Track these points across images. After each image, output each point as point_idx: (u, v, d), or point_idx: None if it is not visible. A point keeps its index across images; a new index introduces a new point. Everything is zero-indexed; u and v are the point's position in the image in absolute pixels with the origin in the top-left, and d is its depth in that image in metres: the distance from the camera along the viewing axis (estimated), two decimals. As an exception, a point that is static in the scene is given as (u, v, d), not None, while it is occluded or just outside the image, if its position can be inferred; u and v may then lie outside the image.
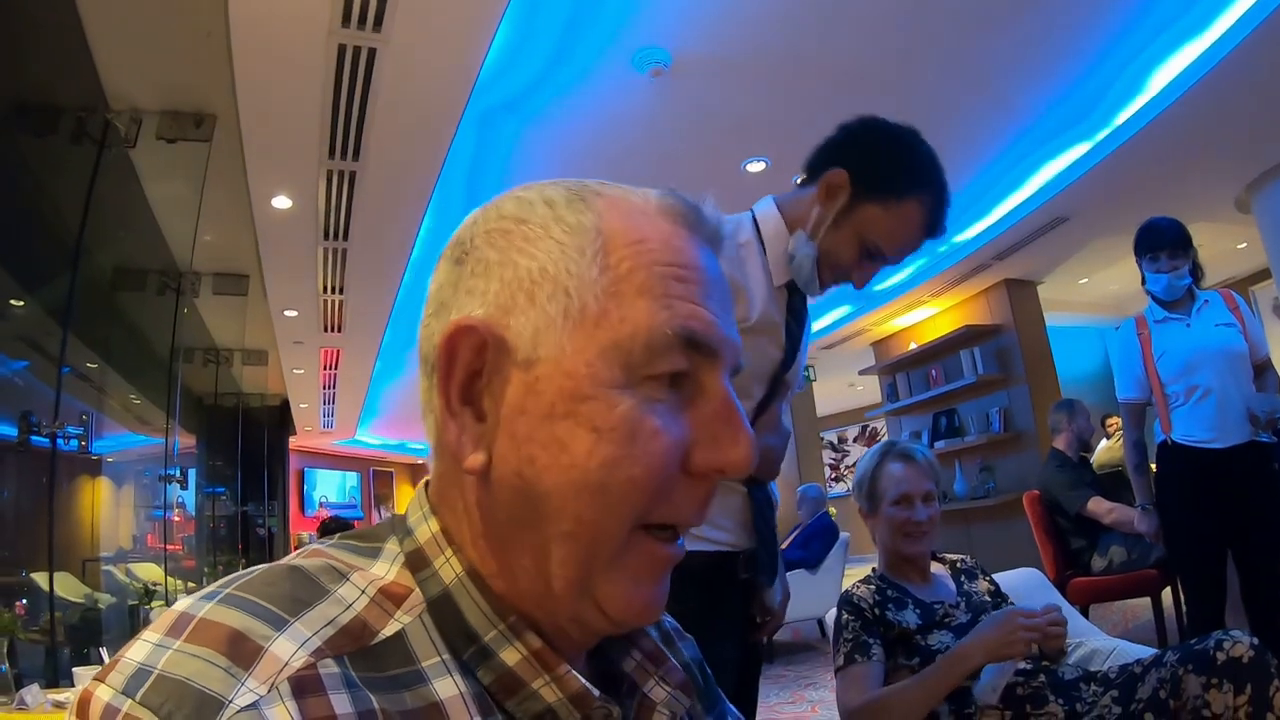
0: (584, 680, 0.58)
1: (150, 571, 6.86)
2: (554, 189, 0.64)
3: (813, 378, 11.36)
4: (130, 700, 0.46)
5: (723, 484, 1.70)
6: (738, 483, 1.73)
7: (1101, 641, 2.46)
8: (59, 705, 2.52)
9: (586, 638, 0.62)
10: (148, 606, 5.21)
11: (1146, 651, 2.15)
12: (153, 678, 0.47)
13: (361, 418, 13.31)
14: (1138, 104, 5.21)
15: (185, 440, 8.33)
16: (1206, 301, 3.48)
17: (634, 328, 0.58)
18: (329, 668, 0.51)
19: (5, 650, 2.75)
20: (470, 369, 0.60)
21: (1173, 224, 3.48)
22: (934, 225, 1.62)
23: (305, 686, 0.49)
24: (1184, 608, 3.83)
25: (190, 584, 7.44)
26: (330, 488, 16.89)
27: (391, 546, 0.62)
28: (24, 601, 4.10)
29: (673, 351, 0.58)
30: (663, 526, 0.60)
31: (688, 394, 0.60)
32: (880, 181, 1.59)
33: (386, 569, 0.60)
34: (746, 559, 1.77)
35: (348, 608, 0.56)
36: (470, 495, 0.62)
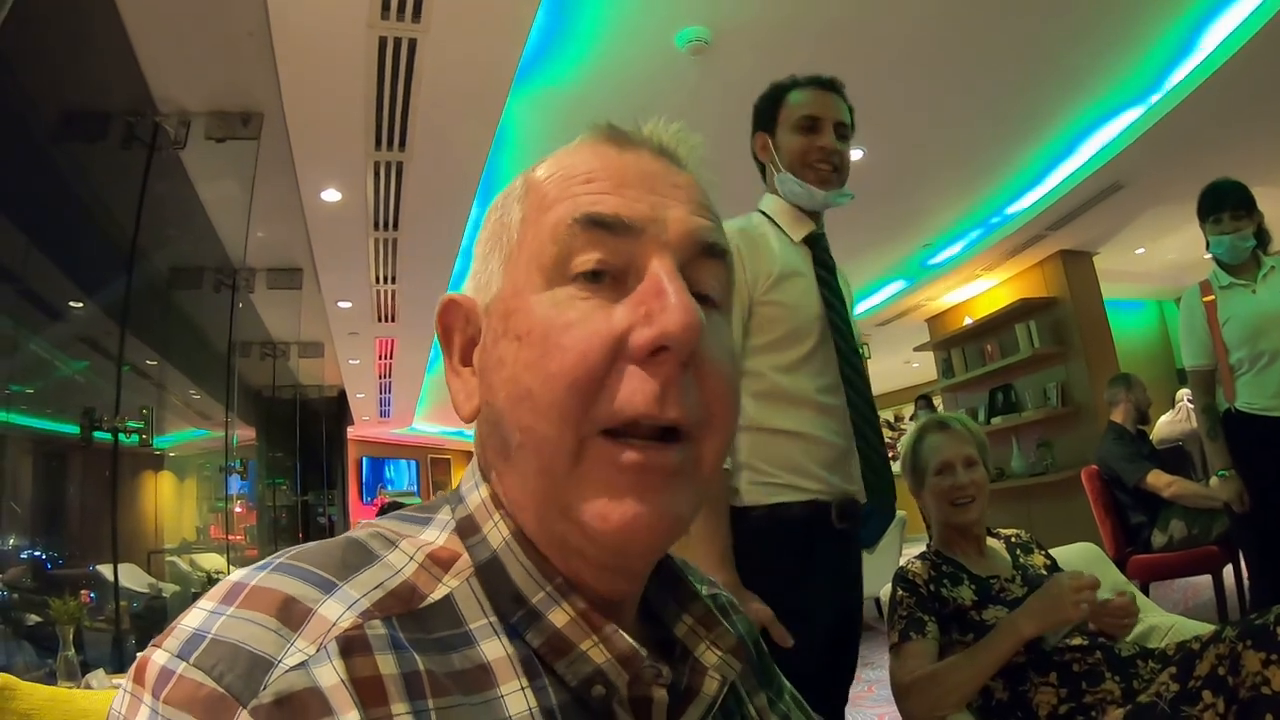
0: (630, 640, 0.58)
1: (214, 561, 7.01)
2: None
3: (868, 355, 11.26)
4: (184, 663, 0.48)
5: (810, 435, 1.71)
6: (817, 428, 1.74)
7: (1160, 618, 2.41)
8: (124, 690, 2.58)
9: (613, 582, 0.62)
10: (211, 594, 5.34)
11: (1206, 629, 2.11)
12: (206, 641, 0.49)
13: (418, 406, 13.45)
14: (1190, 64, 5.03)
15: (245, 433, 8.47)
16: (1273, 268, 3.40)
17: (545, 234, 0.62)
18: (376, 629, 0.52)
19: (72, 637, 2.83)
20: (466, 336, 0.68)
21: (1235, 184, 3.43)
22: (795, 83, 2.14)
23: (353, 646, 0.50)
24: (1246, 584, 3.75)
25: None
26: (389, 476, 17.13)
27: (444, 515, 0.65)
28: (93, 596, 4.22)
29: (580, 241, 0.60)
30: (634, 432, 0.57)
31: (630, 285, 0.60)
32: (761, 116, 2.11)
33: (436, 535, 0.63)
34: (840, 508, 1.75)
35: (396, 572, 0.57)
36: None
